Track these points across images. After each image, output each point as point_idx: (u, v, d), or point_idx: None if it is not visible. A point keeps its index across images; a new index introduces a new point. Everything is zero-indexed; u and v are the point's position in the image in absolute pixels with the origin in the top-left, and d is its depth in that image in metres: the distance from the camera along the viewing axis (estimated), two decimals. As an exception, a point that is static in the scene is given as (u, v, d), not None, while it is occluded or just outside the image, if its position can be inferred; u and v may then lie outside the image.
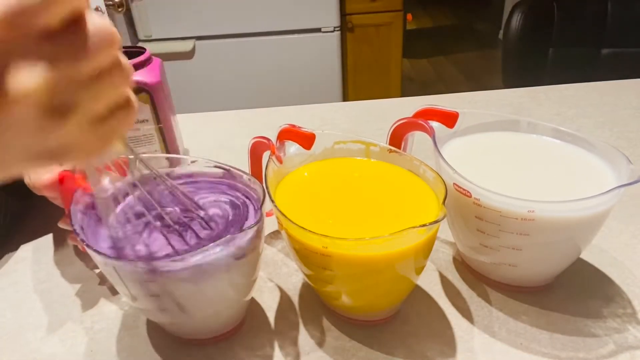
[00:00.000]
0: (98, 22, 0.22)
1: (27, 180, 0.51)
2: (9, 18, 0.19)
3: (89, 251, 0.36)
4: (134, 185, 0.45)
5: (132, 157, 0.37)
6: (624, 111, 0.81)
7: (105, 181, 0.43)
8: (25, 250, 0.58)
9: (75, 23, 0.21)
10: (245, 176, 0.44)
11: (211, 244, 0.34)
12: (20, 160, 0.23)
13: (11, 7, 0.19)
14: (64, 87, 0.21)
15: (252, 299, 0.48)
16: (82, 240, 0.36)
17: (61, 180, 0.44)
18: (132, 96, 0.25)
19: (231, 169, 0.45)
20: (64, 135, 0.22)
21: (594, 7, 1.40)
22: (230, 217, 0.41)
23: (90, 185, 0.40)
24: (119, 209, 0.43)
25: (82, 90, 0.22)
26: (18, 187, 0.62)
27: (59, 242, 0.58)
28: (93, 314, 0.48)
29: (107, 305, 0.49)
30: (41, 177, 0.48)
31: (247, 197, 0.43)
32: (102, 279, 0.52)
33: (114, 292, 0.50)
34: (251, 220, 0.41)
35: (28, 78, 0.20)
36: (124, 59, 0.24)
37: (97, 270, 0.53)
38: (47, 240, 0.59)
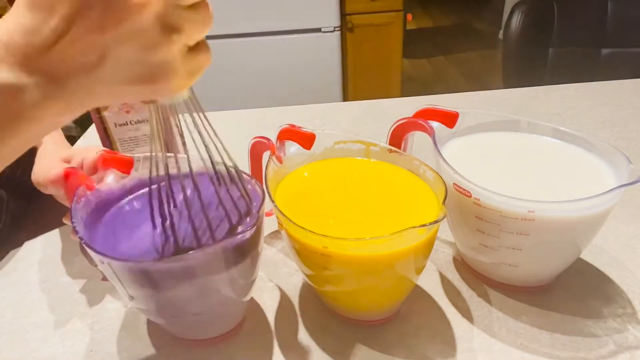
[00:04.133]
0: None
1: (33, 178, 0.52)
2: None
3: (87, 249, 0.36)
4: (137, 183, 0.45)
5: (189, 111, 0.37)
6: (624, 111, 0.81)
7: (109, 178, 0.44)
8: (26, 250, 0.58)
9: None
10: (245, 176, 0.44)
11: (210, 245, 0.34)
12: (124, 80, 0.26)
13: None
14: (176, 8, 0.26)
15: (252, 299, 0.48)
16: (80, 238, 0.36)
17: (66, 176, 0.45)
18: (207, 42, 0.30)
19: (231, 168, 0.45)
20: (168, 55, 0.26)
21: (594, 7, 1.40)
22: (229, 218, 0.41)
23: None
24: (120, 205, 0.43)
25: (185, 15, 0.27)
26: (18, 187, 0.62)
27: (60, 241, 0.58)
28: (93, 314, 0.48)
29: (108, 305, 0.49)
30: (48, 173, 0.49)
31: (246, 198, 0.43)
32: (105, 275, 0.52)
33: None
34: (251, 221, 0.41)
35: None
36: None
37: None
38: (47, 240, 0.59)
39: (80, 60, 0.25)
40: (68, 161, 0.51)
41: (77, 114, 0.28)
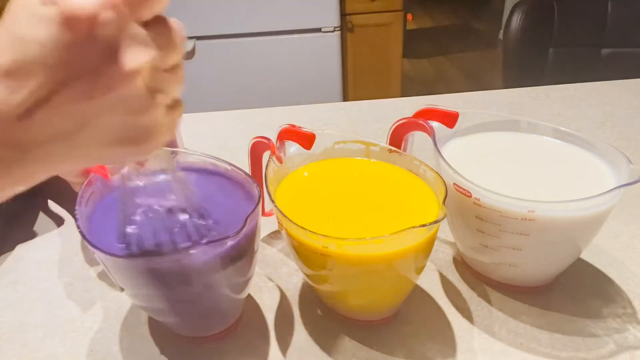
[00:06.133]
0: (178, 22, 0.27)
1: None
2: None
3: (86, 243, 0.36)
4: (133, 181, 0.45)
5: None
6: (624, 111, 0.81)
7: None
8: (25, 250, 0.58)
9: (162, 20, 0.26)
10: (242, 175, 0.44)
11: (206, 243, 0.34)
12: (104, 144, 0.25)
13: None
14: (159, 72, 0.25)
15: (252, 299, 0.49)
16: (81, 232, 0.36)
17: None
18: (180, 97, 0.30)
19: (229, 167, 0.45)
20: (154, 117, 0.26)
21: (594, 7, 1.40)
22: (226, 216, 0.41)
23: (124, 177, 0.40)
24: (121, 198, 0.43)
25: (168, 78, 0.26)
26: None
27: (59, 241, 0.58)
28: (93, 314, 0.48)
29: (108, 305, 0.49)
30: None
31: (244, 196, 0.43)
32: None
33: (113, 286, 0.50)
34: (248, 220, 0.40)
35: (140, 55, 0.24)
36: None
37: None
38: (47, 239, 0.59)
39: (55, 129, 0.23)
40: None
41: (38, 181, 0.25)
